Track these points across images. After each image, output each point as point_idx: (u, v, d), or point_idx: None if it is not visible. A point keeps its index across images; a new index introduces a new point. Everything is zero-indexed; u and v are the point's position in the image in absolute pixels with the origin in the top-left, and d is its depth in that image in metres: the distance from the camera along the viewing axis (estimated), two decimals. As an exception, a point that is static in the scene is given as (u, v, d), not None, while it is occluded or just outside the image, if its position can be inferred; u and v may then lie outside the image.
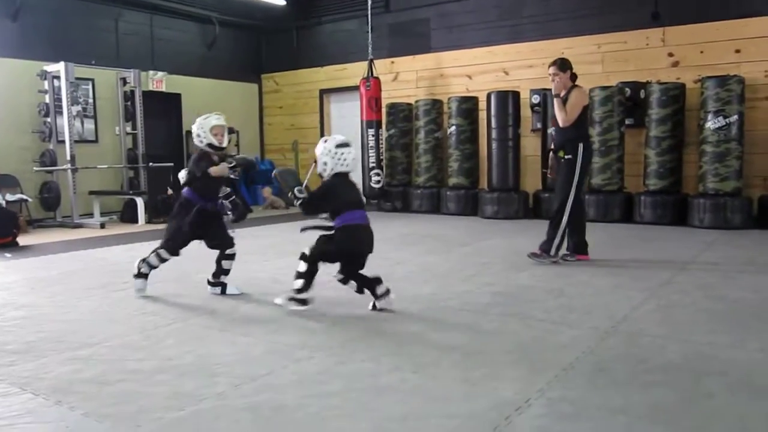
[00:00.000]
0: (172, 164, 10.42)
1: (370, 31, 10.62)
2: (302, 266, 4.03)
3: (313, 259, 4.03)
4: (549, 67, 5.69)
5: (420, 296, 4.45)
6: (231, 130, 11.83)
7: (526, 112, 9.59)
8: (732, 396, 2.64)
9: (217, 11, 11.66)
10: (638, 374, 2.87)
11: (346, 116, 12.02)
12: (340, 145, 4.10)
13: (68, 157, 9.06)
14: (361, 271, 4.12)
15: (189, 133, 11.46)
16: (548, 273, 5.20)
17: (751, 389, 2.70)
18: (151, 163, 10.07)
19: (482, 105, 9.76)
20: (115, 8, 10.41)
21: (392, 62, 11.17)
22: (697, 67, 8.55)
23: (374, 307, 4.09)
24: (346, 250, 4.05)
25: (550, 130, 5.71)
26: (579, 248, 5.72)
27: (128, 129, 10.33)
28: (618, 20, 9.11)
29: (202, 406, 2.58)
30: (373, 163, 10.35)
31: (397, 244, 6.90)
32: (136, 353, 3.28)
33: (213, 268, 4.66)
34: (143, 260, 4.61)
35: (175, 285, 4.94)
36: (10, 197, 8.41)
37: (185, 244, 4.61)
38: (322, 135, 12.27)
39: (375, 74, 10.40)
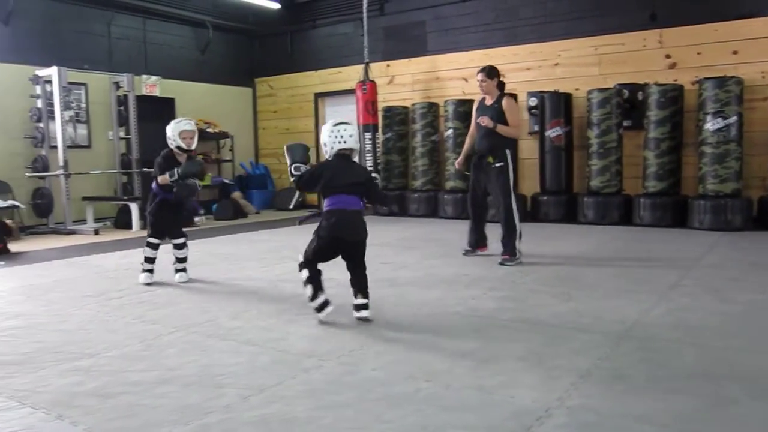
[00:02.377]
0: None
1: (365, 34, 10.54)
2: (302, 274, 3.92)
3: (306, 263, 3.92)
4: (477, 73, 5.89)
5: (427, 301, 4.36)
6: (225, 135, 11.77)
7: (523, 114, 9.53)
8: (755, 402, 2.56)
9: (210, 15, 11.56)
10: (658, 381, 2.79)
11: (341, 120, 11.92)
12: (338, 124, 4.00)
13: (61, 163, 8.93)
14: (355, 268, 3.95)
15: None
16: (552, 277, 5.12)
17: (774, 395, 2.63)
18: (144, 168, 9.93)
19: (479, 108, 9.69)
20: (107, 12, 10.29)
21: (388, 65, 11.09)
22: (695, 69, 8.51)
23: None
24: (323, 235, 3.87)
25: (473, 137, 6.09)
26: (480, 243, 6.16)
27: (121, 134, 10.20)
28: (615, 22, 9.08)
29: (210, 419, 2.48)
30: (369, 167, 10.25)
31: (398, 248, 6.82)
32: (138, 364, 3.18)
33: (211, 272, 4.58)
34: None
35: (175, 293, 4.83)
36: (1, 203, 8.26)
37: (161, 231, 5.21)
38: (317, 139, 12.17)
39: (371, 77, 10.32)
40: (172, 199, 5.12)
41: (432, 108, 10.15)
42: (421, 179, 10.15)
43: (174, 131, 5.06)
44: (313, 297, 3.87)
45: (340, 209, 3.86)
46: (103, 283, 5.26)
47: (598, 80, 9.12)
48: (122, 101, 10.05)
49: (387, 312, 4.12)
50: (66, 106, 9.18)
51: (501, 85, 5.90)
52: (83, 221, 9.38)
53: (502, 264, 5.69)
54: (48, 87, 9.10)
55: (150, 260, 5.18)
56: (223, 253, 6.80)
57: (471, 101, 9.72)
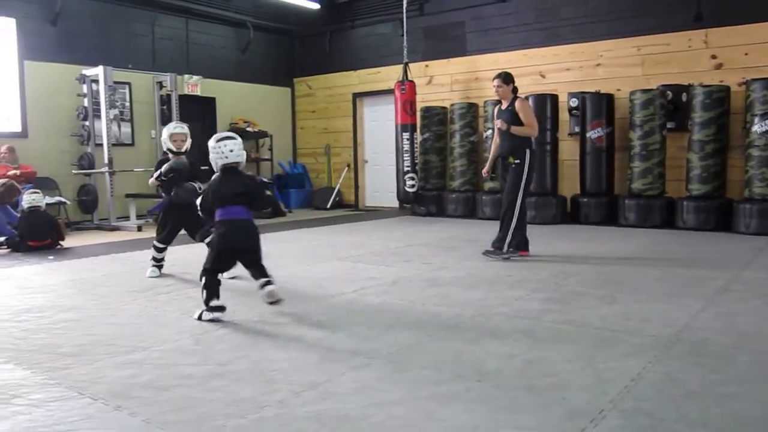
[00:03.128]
0: (207, 167, 10.44)
1: (405, 34, 10.55)
2: (202, 281, 4.03)
3: (205, 272, 4.03)
4: (494, 79, 6.15)
5: (470, 302, 4.36)
6: (264, 134, 11.89)
7: (563, 115, 9.46)
8: (815, 410, 2.51)
9: (251, 15, 11.68)
10: (712, 385, 2.75)
11: (380, 120, 11.99)
12: (220, 139, 4.21)
13: (106, 160, 9.12)
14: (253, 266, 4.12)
15: (223, 136, 11.55)
16: (595, 279, 5.08)
17: (835, 403, 2.57)
18: (186, 167, 10.10)
19: (519, 108, 9.63)
20: (151, 13, 10.48)
21: (426, 66, 11.09)
22: (742, 70, 8.35)
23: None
24: (216, 247, 4.06)
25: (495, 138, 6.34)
26: (521, 245, 6.13)
27: (164, 132, 10.38)
28: (659, 22, 8.94)
29: (264, 414, 2.52)
30: (407, 167, 10.28)
31: (437, 248, 6.82)
32: (189, 358, 3.24)
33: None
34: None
35: (221, 288, 4.88)
36: (48, 200, 8.47)
37: (170, 233, 5.43)
38: (355, 139, 12.25)
39: (410, 78, 10.34)
40: (175, 200, 5.31)
41: (471, 108, 10.12)
42: (459, 180, 10.14)
43: (166, 134, 5.35)
44: (207, 301, 3.97)
45: (228, 220, 4.07)
46: (150, 279, 5.36)
47: (640, 81, 9.00)
48: (165, 100, 10.23)
49: (431, 312, 4.13)
50: (111, 105, 9.37)
51: (515, 90, 6.14)
52: (126, 218, 9.57)
53: (483, 254, 6.10)
54: (94, 86, 9.31)
55: (156, 259, 5.51)
56: (264, 251, 6.85)
57: (511, 102, 9.70)
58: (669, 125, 8.62)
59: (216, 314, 3.95)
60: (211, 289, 4.01)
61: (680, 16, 8.79)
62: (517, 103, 6.01)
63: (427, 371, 2.98)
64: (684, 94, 8.60)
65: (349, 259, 6.23)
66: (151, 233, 8.56)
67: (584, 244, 6.98)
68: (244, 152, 4.30)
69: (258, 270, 4.10)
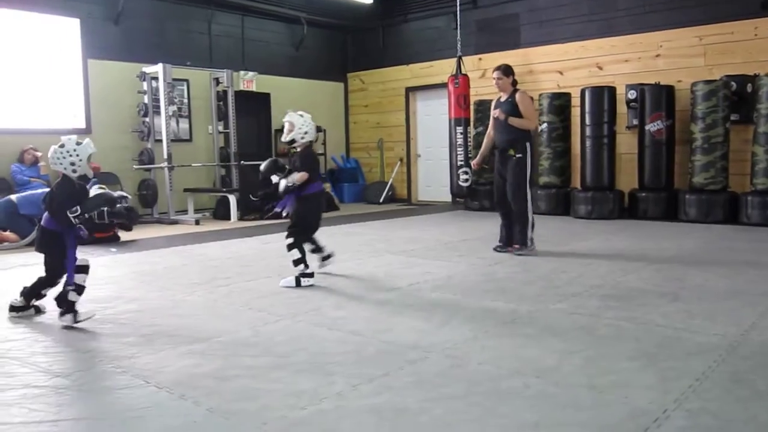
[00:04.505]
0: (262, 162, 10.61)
1: (458, 27, 10.49)
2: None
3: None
4: (494, 71, 6.17)
5: (526, 297, 4.31)
6: (318, 129, 11.98)
7: (621, 108, 9.24)
8: None
9: (305, 11, 11.78)
10: (782, 387, 2.66)
11: (432, 114, 11.95)
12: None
13: (165, 156, 9.35)
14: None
15: (278, 131, 11.68)
16: (656, 276, 4.96)
17: None
18: (242, 162, 10.28)
19: (575, 101, 9.47)
20: (208, 10, 10.68)
21: (480, 59, 11.00)
22: (812, 59, 8.02)
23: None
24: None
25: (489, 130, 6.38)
26: (510, 240, 6.18)
27: (220, 128, 10.59)
28: (723, 10, 8.65)
29: (324, 405, 2.55)
30: (461, 161, 10.22)
31: (491, 243, 6.73)
32: (250, 349, 3.30)
33: (314, 264, 4.68)
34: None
35: (278, 281, 4.96)
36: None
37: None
38: (408, 133, 12.25)
39: (463, 71, 10.26)
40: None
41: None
42: (513, 174, 10.01)
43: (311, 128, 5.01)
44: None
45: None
46: (209, 271, 5.48)
47: (703, 72, 8.73)
48: (221, 96, 10.42)
49: (487, 307, 4.10)
50: (170, 102, 9.59)
51: (515, 82, 6.17)
52: (184, 212, 9.80)
53: (516, 254, 5.99)
54: (154, 83, 9.55)
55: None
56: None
57: (567, 94, 9.56)
58: (733, 117, 8.34)
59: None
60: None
61: (746, 3, 8.48)
62: (517, 96, 6.02)
63: (485, 366, 2.96)
64: (749, 84, 8.30)
65: (403, 253, 6.24)
66: (209, 227, 8.78)
67: (643, 240, 6.83)
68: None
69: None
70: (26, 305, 4.10)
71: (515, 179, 6.00)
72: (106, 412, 2.52)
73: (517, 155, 5.97)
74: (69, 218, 3.77)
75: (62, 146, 3.88)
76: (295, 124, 4.92)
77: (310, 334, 3.56)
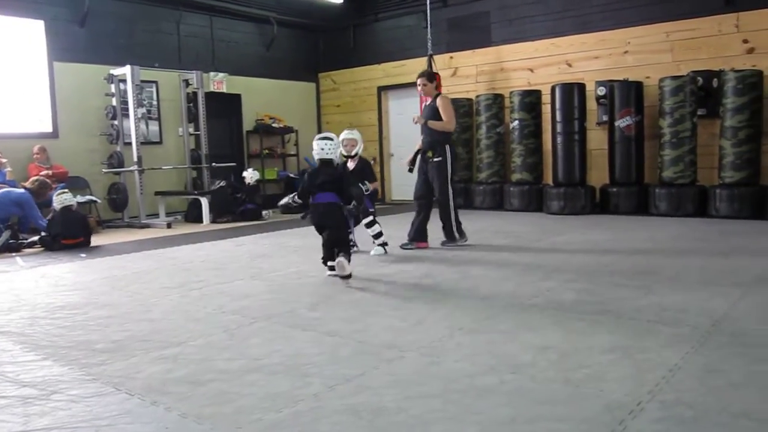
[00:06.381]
0: (234, 164, 10.55)
1: (429, 26, 10.50)
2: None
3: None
4: (418, 78, 6.57)
5: (502, 293, 4.32)
6: (290, 129, 11.93)
7: (591, 104, 9.33)
8: None
9: (275, 11, 11.72)
10: (754, 376, 2.69)
11: (405, 113, 11.92)
12: (319, 139, 5.04)
13: (135, 159, 9.22)
14: (334, 246, 4.98)
15: (250, 132, 11.62)
16: (630, 270, 5.00)
17: None
18: (213, 163, 10.19)
19: (545, 98, 9.54)
20: (176, 11, 10.56)
21: (451, 57, 11.03)
22: (775, 53, 8.17)
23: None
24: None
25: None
26: (419, 236, 6.48)
27: (191, 130, 10.47)
28: (688, 7, 8.78)
29: (300, 407, 2.52)
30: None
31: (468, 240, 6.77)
32: (223, 353, 3.25)
33: (283, 265, 4.63)
34: None
35: (251, 284, 4.93)
36: (80, 198, 8.59)
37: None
38: (380, 133, 12.24)
39: (435, 70, 10.27)
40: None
41: (497, 99, 10.05)
42: (486, 171, 10.08)
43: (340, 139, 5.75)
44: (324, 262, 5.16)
45: (315, 203, 5.04)
46: (181, 275, 5.41)
47: (670, 68, 8.85)
48: (191, 98, 10.31)
49: (462, 304, 4.10)
50: (139, 104, 9.47)
51: (437, 87, 6.70)
52: (156, 215, 9.68)
53: (446, 247, 6.39)
54: (122, 85, 9.42)
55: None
56: (293, 245, 6.91)
57: (538, 91, 9.63)
58: (700, 112, 8.48)
59: (329, 272, 5.05)
60: (325, 253, 5.10)
61: (710, 0, 8.61)
62: (438, 100, 6.35)
63: (461, 364, 2.96)
64: (715, 79, 8.44)
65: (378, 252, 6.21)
66: (180, 230, 8.68)
67: (616, 234, 6.90)
68: (338, 151, 5.19)
69: (339, 247, 4.94)
70: None
71: (438, 180, 6.32)
72: (75, 422, 2.46)
73: (436, 158, 6.30)
74: None
75: None
76: (358, 140, 6.04)
77: (285, 335, 3.53)
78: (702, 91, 8.47)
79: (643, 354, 3.00)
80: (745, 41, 8.43)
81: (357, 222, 6.24)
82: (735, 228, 7.09)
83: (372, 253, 5.92)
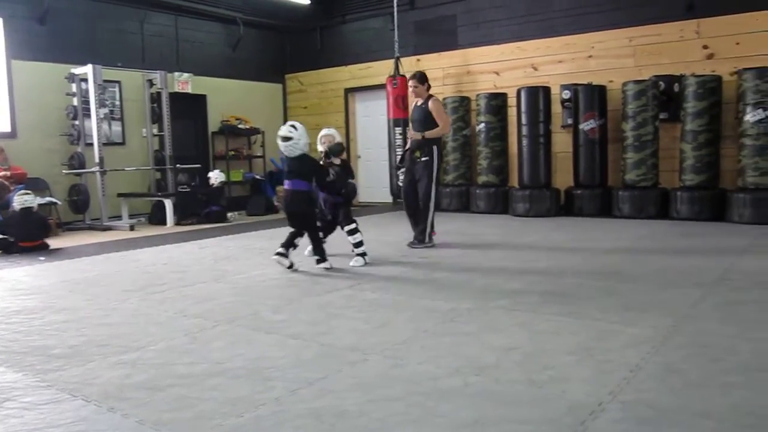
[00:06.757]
0: (199, 165, 10.41)
1: (396, 29, 10.50)
2: None
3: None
4: (409, 79, 6.60)
5: (466, 295, 4.33)
6: (256, 131, 11.82)
7: (556, 107, 9.43)
8: (817, 398, 2.49)
9: (241, 11, 11.60)
10: (713, 375, 2.72)
11: (372, 115, 11.95)
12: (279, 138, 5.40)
13: (96, 160, 9.05)
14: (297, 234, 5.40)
15: (215, 134, 11.49)
16: (594, 271, 5.06)
17: (837, 391, 2.55)
18: (178, 165, 10.04)
19: (511, 101, 9.61)
20: (140, 10, 10.39)
21: (418, 60, 11.04)
22: (734, 59, 8.34)
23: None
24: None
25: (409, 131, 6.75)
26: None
27: (155, 131, 10.31)
28: (651, 12, 8.93)
29: (261, 411, 2.48)
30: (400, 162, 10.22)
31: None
32: (184, 357, 3.19)
33: (248, 267, 4.58)
34: None
35: (215, 287, 4.86)
36: (39, 200, 8.39)
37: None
38: (347, 134, 12.19)
39: (401, 72, 10.28)
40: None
41: (464, 102, 10.09)
42: (453, 174, 10.10)
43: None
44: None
45: (284, 189, 5.38)
46: (143, 278, 5.31)
47: (633, 72, 8.99)
48: (155, 98, 10.15)
49: (427, 306, 4.09)
50: (101, 104, 9.30)
51: (429, 88, 6.62)
52: (118, 217, 9.50)
53: (412, 247, 6.42)
54: (83, 85, 9.24)
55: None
56: (258, 248, 6.83)
57: (504, 94, 9.69)
58: (662, 116, 8.62)
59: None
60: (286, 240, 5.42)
61: (672, 6, 8.77)
62: (430, 103, 6.41)
63: (425, 366, 2.94)
64: (676, 84, 8.59)
65: (343, 254, 6.17)
66: (144, 232, 8.54)
67: (580, 236, 6.97)
68: (301, 143, 5.33)
69: (308, 235, 5.34)
70: None
71: (424, 180, 6.36)
72: (27, 430, 2.38)
73: (423, 158, 6.34)
74: None
75: None
76: (335, 137, 6.12)
77: (248, 339, 3.48)
78: (664, 96, 8.61)
79: (606, 354, 3.02)
80: (705, 47, 8.60)
81: (331, 229, 6.09)
82: (695, 230, 7.22)
83: (351, 264, 5.58)
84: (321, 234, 5.74)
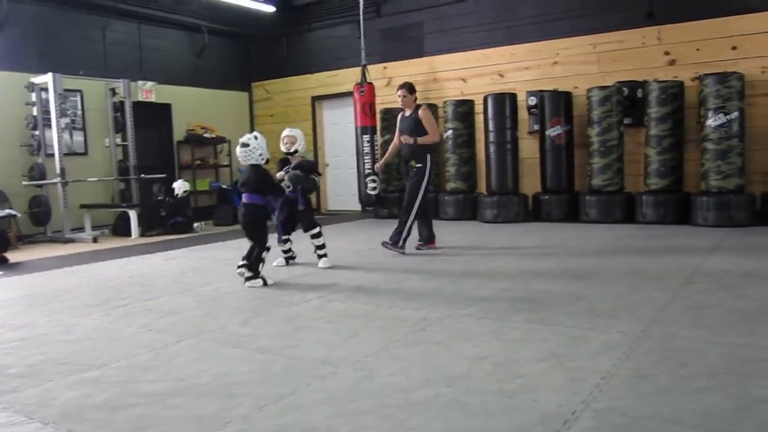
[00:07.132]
0: (164, 175, 10.24)
1: (362, 36, 10.48)
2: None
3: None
4: (398, 89, 6.70)
5: (436, 303, 4.29)
6: (222, 140, 11.68)
7: (522, 114, 9.49)
8: (785, 401, 2.50)
9: (205, 19, 11.47)
10: (682, 380, 2.72)
11: (339, 123, 11.89)
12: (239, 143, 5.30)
13: (58, 171, 8.83)
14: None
15: (180, 143, 11.32)
16: (562, 276, 5.07)
17: (804, 393, 2.56)
18: (142, 175, 9.86)
19: (478, 108, 9.65)
20: (102, 18, 10.20)
21: (385, 67, 11.03)
22: (694, 65, 8.49)
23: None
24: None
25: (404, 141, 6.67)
26: (430, 238, 6.74)
27: (118, 140, 10.11)
28: (614, 20, 9.04)
29: (228, 430, 2.41)
30: (368, 169, 10.19)
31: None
32: (148, 374, 3.10)
33: (215, 279, 4.49)
34: None
35: (180, 300, 4.76)
36: (-2, 213, 8.17)
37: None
38: (315, 143, 12.12)
39: (368, 80, 10.26)
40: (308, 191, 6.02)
41: (431, 109, 10.05)
42: (421, 181, 10.08)
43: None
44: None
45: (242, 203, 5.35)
46: (106, 292, 5.17)
47: (597, 78, 9.08)
48: (118, 107, 9.96)
49: (397, 316, 4.05)
50: (62, 114, 9.09)
51: (416, 99, 6.75)
52: (81, 229, 9.28)
53: (383, 245, 6.55)
54: (44, 94, 9.02)
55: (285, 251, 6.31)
56: (225, 258, 6.72)
57: (470, 101, 9.72)
58: (626, 121, 8.72)
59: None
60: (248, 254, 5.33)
61: (633, 13, 8.90)
62: (420, 112, 6.52)
63: (396, 377, 2.90)
64: (639, 90, 8.71)
65: (311, 264, 6.11)
66: (108, 244, 8.35)
67: (549, 242, 7.00)
68: (257, 153, 5.22)
69: (253, 245, 5.25)
70: None
71: (412, 185, 6.50)
72: (-19, 455, 2.28)
73: (417, 165, 6.45)
74: None
75: None
76: (297, 138, 6.01)
77: (214, 353, 3.39)
78: (628, 101, 8.72)
79: (577, 362, 3.01)
80: (667, 53, 8.73)
81: (292, 230, 6.19)
82: (661, 233, 7.31)
83: (320, 265, 5.86)
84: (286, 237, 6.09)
